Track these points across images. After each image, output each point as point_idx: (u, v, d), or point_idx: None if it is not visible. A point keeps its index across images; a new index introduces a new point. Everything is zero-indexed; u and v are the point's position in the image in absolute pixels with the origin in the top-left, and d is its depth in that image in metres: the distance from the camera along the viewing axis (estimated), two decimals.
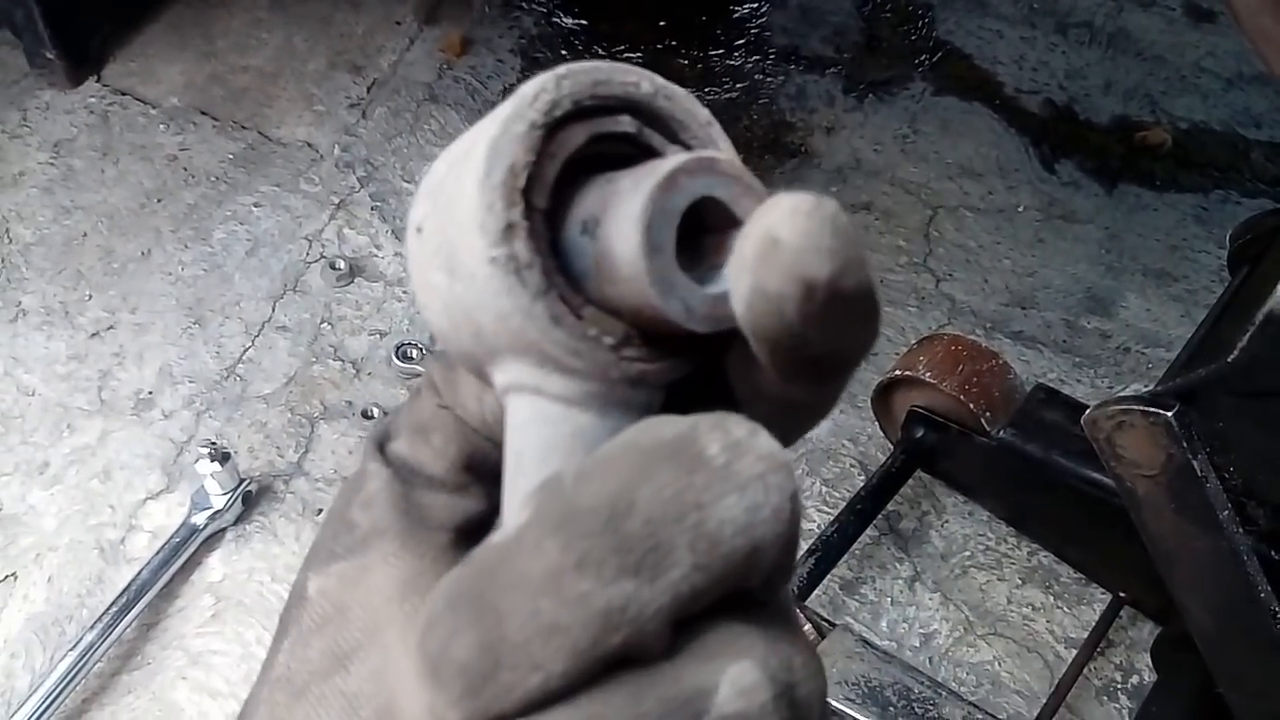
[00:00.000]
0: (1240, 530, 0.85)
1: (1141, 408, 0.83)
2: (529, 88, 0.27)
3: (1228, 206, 1.98)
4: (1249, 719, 0.92)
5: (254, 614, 1.42)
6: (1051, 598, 1.46)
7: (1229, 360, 0.78)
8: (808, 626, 1.21)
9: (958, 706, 1.15)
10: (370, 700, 0.29)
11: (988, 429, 1.41)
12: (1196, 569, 0.89)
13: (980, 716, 1.15)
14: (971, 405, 1.43)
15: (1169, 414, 0.82)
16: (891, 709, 1.13)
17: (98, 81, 2.07)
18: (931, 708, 1.13)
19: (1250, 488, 0.83)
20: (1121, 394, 0.85)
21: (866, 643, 1.20)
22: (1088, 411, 0.89)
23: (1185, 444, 0.83)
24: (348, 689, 0.30)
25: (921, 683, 1.16)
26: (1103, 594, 1.43)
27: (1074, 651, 1.37)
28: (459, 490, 0.33)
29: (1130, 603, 1.39)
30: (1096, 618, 1.39)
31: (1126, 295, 1.82)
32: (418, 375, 1.67)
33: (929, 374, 1.47)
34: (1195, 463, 0.83)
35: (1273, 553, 0.95)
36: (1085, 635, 1.38)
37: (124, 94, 2.05)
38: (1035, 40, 2.23)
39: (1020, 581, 1.48)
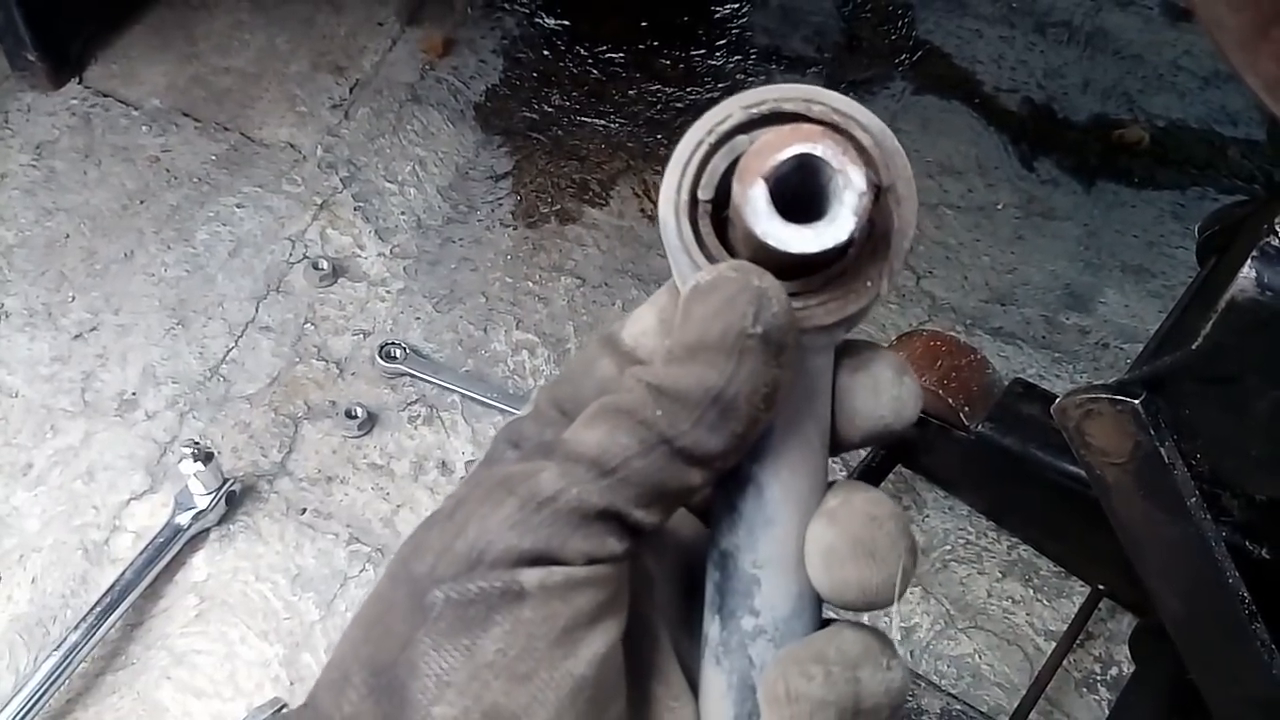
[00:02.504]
0: (1208, 516, 0.87)
1: (1109, 396, 0.85)
2: (708, 115, 0.37)
3: (1205, 203, 1.99)
4: (1220, 704, 0.94)
5: (238, 613, 1.42)
6: (1031, 591, 1.47)
7: (1193, 348, 0.79)
8: None
9: (936, 697, 1.16)
10: None
11: (966, 423, 1.42)
12: (1166, 556, 0.90)
13: (959, 708, 1.16)
14: (950, 400, 1.44)
15: (1135, 402, 0.83)
16: None
17: (79, 83, 2.07)
18: (911, 699, 1.14)
19: (1217, 473, 0.84)
20: (1091, 383, 0.87)
21: None
22: (1057, 400, 0.90)
23: (1152, 431, 0.84)
24: None
25: None
26: (1082, 587, 1.45)
27: (1054, 644, 1.38)
28: None
29: (1109, 595, 1.40)
30: (1076, 610, 1.40)
31: (1105, 291, 1.84)
32: (401, 375, 1.68)
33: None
34: (1162, 450, 0.84)
35: (1243, 540, 0.96)
36: (1065, 628, 1.39)
37: (106, 95, 2.05)
38: (1014, 39, 2.25)
39: (1000, 575, 1.49)
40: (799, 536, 0.37)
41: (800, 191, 0.34)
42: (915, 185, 0.37)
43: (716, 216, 0.36)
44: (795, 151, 0.33)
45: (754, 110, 0.35)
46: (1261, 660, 0.87)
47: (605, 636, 0.35)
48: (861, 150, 0.35)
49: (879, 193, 0.35)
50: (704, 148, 0.35)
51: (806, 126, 0.34)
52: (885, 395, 0.38)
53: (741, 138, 0.36)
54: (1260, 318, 0.75)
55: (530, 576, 0.34)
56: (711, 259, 0.36)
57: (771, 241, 0.33)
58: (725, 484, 0.38)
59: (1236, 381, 0.79)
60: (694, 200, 0.36)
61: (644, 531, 0.36)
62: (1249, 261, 0.74)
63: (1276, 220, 0.75)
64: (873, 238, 0.36)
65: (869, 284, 0.36)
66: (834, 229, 0.33)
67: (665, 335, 0.38)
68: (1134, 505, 0.88)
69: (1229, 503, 0.90)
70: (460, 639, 0.34)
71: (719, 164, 0.35)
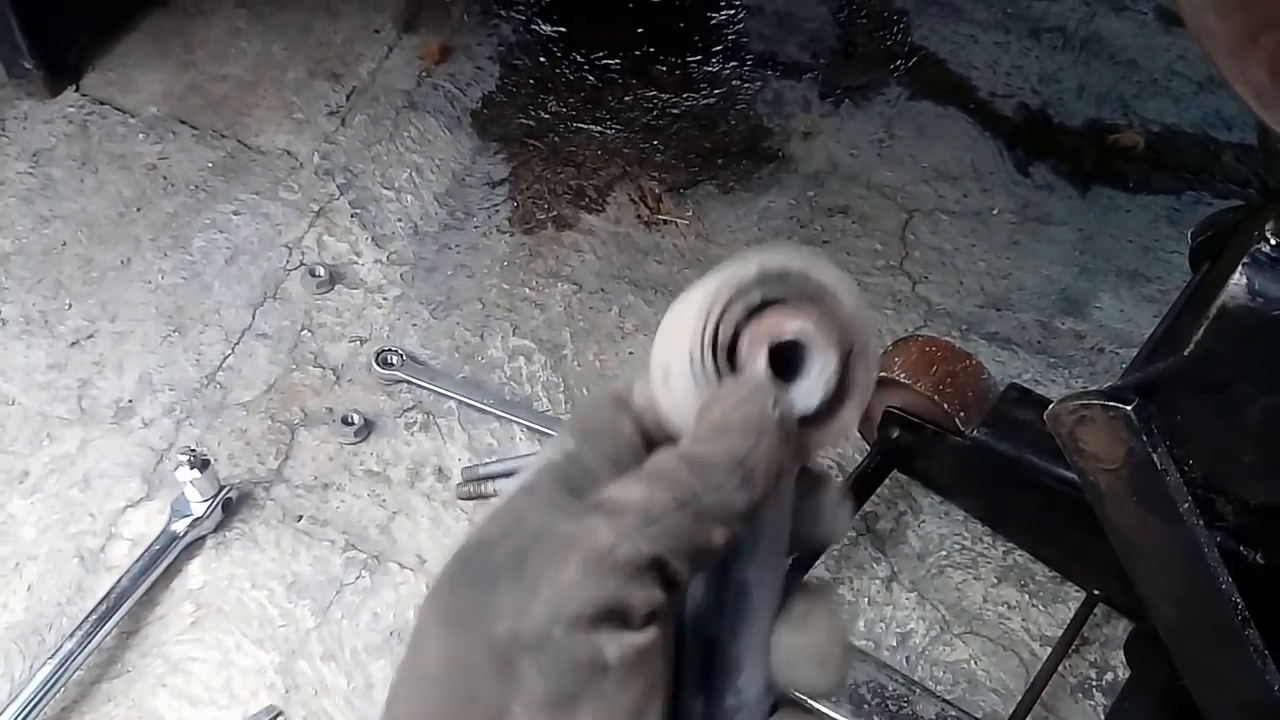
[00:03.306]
0: (1201, 522, 0.87)
1: (1101, 402, 0.85)
2: (709, 287, 0.44)
3: (1200, 207, 2.00)
4: (1213, 710, 0.94)
5: (234, 621, 1.42)
6: (1027, 596, 1.48)
7: (1185, 354, 0.79)
8: None
9: (931, 703, 1.16)
10: None
11: (962, 429, 1.43)
12: (1159, 561, 0.90)
13: (954, 713, 1.16)
14: (946, 405, 1.44)
15: (1128, 408, 0.83)
16: (866, 706, 1.14)
17: (76, 91, 2.07)
18: (905, 705, 1.15)
19: (1209, 479, 0.85)
20: (1084, 389, 0.87)
21: None
22: (1051, 406, 0.91)
23: (1145, 437, 0.84)
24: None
25: (896, 680, 1.17)
26: (1077, 592, 1.45)
27: (1049, 649, 1.38)
28: None
29: (1104, 600, 1.40)
30: (1071, 615, 1.41)
31: (1100, 296, 1.84)
32: (398, 381, 1.68)
33: (903, 375, 1.48)
34: (1155, 456, 0.84)
35: (1237, 545, 0.97)
36: (1060, 633, 1.39)
37: (103, 103, 2.05)
38: (1009, 45, 2.26)
39: (996, 580, 1.49)
40: (769, 630, 0.45)
41: (788, 350, 0.44)
42: (876, 340, 0.46)
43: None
44: (791, 335, 0.43)
45: (760, 291, 0.44)
46: (1254, 666, 0.88)
47: (660, 704, 0.41)
48: (839, 321, 0.44)
49: (849, 354, 0.44)
50: (722, 305, 0.43)
51: (803, 311, 0.43)
52: (827, 519, 0.47)
53: (755, 294, 0.44)
54: (1251, 324, 0.75)
55: (611, 648, 0.38)
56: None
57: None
58: (711, 582, 0.45)
59: (1228, 388, 0.79)
60: (714, 344, 0.43)
61: (678, 587, 0.40)
62: (1239, 268, 0.75)
63: (1267, 227, 0.75)
64: (841, 385, 0.44)
65: (835, 420, 0.45)
66: (807, 397, 0.44)
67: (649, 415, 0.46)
68: (1127, 511, 0.88)
69: (1223, 508, 0.90)
70: (555, 713, 0.38)
71: (732, 319, 0.43)
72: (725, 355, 0.43)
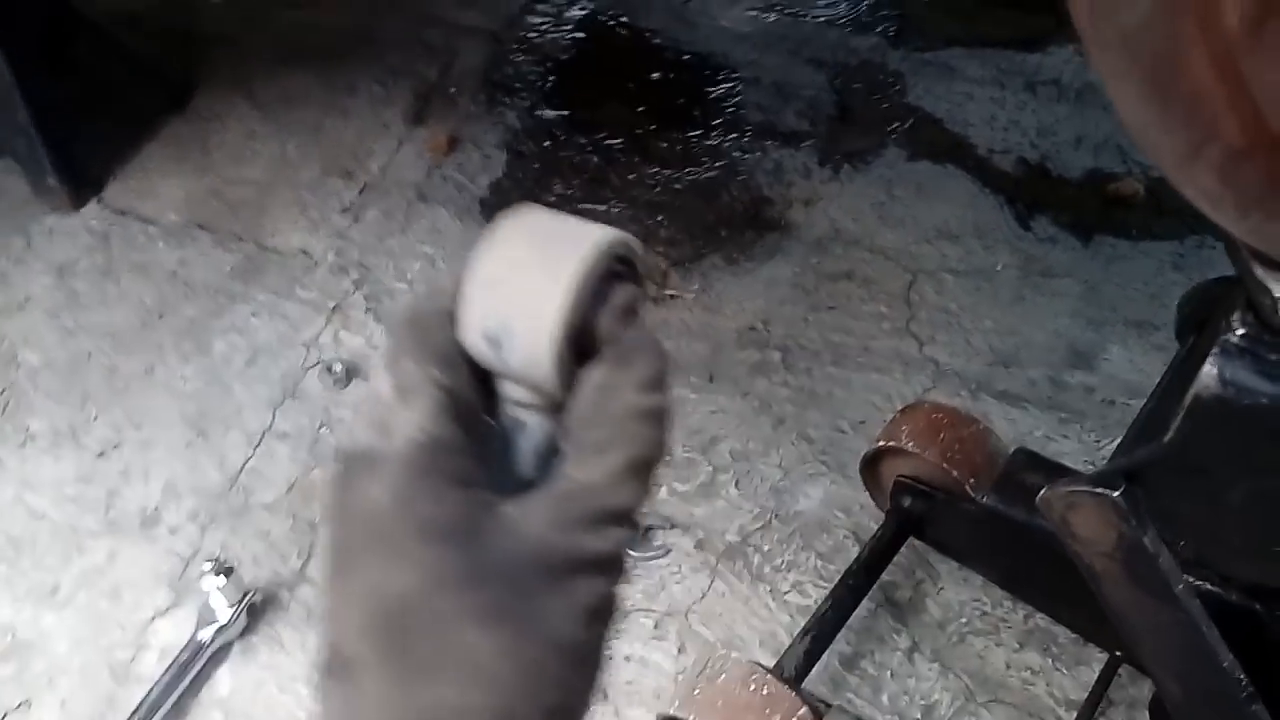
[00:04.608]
0: (1197, 601, 0.87)
1: (1089, 488, 0.86)
2: (572, 270, 0.47)
3: (1204, 251, 2.00)
4: None
5: None
6: (1050, 660, 1.47)
7: (1165, 440, 0.80)
8: (804, 710, 1.22)
9: None
10: None
11: (972, 495, 1.43)
12: (1160, 641, 0.90)
13: None
14: (955, 472, 1.45)
15: (1115, 494, 0.84)
16: None
17: (99, 203, 2.15)
18: None
19: (1201, 560, 0.85)
20: (1073, 475, 0.88)
21: None
22: (1041, 493, 0.92)
23: (1134, 521, 0.85)
24: None
25: None
26: (1100, 653, 1.44)
27: (1075, 713, 1.37)
28: None
29: (1127, 660, 1.39)
30: (1095, 678, 1.40)
31: (1109, 347, 1.85)
32: None
33: (911, 443, 1.49)
34: (1146, 539, 0.85)
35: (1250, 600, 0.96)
36: (1085, 696, 1.38)
37: (124, 213, 2.13)
38: (1005, 100, 2.28)
39: (1018, 645, 1.48)
40: None
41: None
42: None
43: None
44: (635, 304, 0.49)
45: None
46: None
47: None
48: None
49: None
50: (585, 292, 0.47)
51: (631, 279, 0.49)
52: None
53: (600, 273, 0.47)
54: (1225, 412, 0.77)
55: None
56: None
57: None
58: None
59: (1209, 473, 0.80)
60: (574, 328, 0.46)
61: None
62: (1209, 359, 0.76)
63: (1234, 317, 0.77)
64: None
65: None
66: None
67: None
68: (1124, 592, 0.89)
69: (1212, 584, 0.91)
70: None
71: (585, 301, 0.47)
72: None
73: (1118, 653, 1.38)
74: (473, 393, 0.47)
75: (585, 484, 0.45)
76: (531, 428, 0.49)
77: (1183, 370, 0.91)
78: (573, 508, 0.44)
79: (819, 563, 1.58)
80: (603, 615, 0.45)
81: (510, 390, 0.49)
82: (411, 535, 0.43)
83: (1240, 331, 0.76)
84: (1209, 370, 0.76)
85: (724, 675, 1.25)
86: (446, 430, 0.45)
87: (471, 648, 0.42)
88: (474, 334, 0.47)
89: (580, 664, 0.44)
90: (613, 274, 0.47)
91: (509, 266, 0.46)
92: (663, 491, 1.69)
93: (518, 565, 0.43)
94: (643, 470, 0.46)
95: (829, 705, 1.22)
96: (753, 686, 1.23)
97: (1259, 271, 0.76)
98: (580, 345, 0.47)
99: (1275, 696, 0.93)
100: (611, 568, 0.45)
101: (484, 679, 0.42)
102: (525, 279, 0.46)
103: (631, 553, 1.60)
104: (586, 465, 0.45)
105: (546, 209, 0.49)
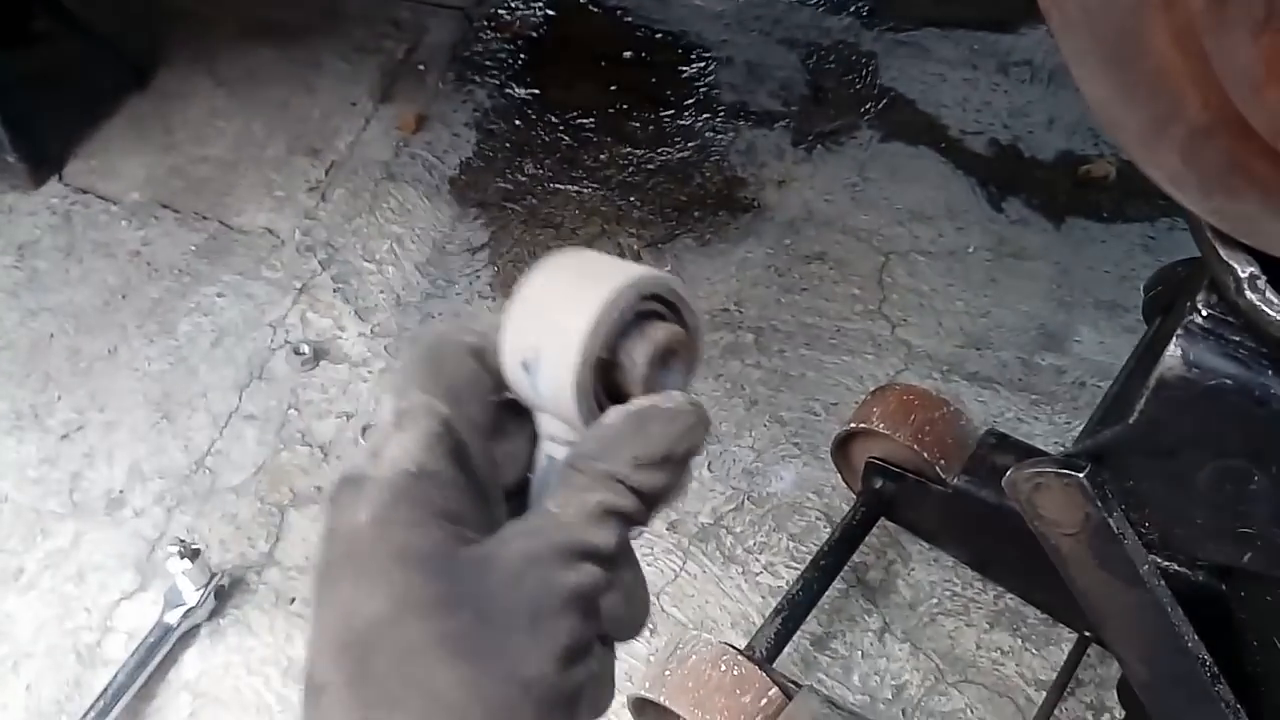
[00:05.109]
0: (1162, 583, 0.88)
1: (1055, 470, 0.86)
2: (601, 298, 0.47)
3: (1174, 234, 2.01)
4: None
5: (231, 710, 1.43)
6: (1020, 640, 1.48)
7: (1130, 422, 0.80)
8: (774, 690, 1.22)
9: None
10: None
11: (943, 476, 1.44)
12: (1125, 622, 0.91)
13: None
14: (926, 454, 1.45)
15: (1081, 475, 0.84)
16: None
17: (59, 181, 2.10)
18: None
19: (1167, 541, 0.86)
20: (1039, 457, 0.88)
21: (831, 702, 1.21)
22: (1007, 474, 0.92)
23: (1100, 503, 0.85)
24: None
25: None
26: (1070, 634, 1.45)
27: (1044, 693, 1.38)
28: None
29: (1096, 640, 1.40)
30: (1065, 658, 1.41)
31: (1079, 329, 1.85)
32: None
33: (883, 425, 1.49)
34: (1111, 520, 0.85)
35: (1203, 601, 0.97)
36: (1055, 676, 1.39)
37: (85, 192, 2.09)
38: (978, 81, 2.28)
39: (988, 626, 1.49)
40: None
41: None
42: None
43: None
44: (673, 345, 0.48)
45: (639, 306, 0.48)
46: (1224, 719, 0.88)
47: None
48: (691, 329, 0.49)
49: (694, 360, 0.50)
50: (612, 324, 0.47)
51: (671, 322, 0.48)
52: None
53: (634, 309, 0.48)
54: (1190, 394, 0.77)
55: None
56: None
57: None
58: None
59: (1175, 454, 0.80)
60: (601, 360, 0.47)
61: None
62: (1174, 340, 0.76)
63: (1198, 298, 0.76)
64: None
65: None
66: None
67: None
68: (1090, 574, 0.89)
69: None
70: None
71: (614, 334, 0.47)
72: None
73: (1086, 633, 1.39)
74: (478, 430, 0.47)
75: (559, 519, 0.44)
76: (560, 463, 0.48)
77: (1148, 352, 0.91)
78: (543, 540, 0.44)
79: (791, 544, 1.59)
80: (579, 658, 0.44)
81: (545, 424, 0.49)
82: (385, 559, 0.43)
83: (1204, 313, 0.76)
84: (1173, 352, 0.76)
85: (694, 656, 1.25)
86: (438, 461, 0.44)
87: (435, 679, 0.41)
88: (512, 361, 0.47)
89: (551, 706, 0.42)
90: (651, 313, 0.47)
91: (549, 296, 0.47)
92: None
93: (491, 598, 0.42)
94: (621, 516, 0.45)
95: (799, 685, 1.22)
96: (723, 667, 1.22)
97: (1222, 252, 0.76)
98: (612, 381, 0.47)
99: (1240, 676, 0.94)
100: (588, 608, 0.44)
101: (444, 711, 0.41)
102: (559, 308, 0.46)
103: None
104: (567, 501, 0.45)
105: (597, 252, 0.50)
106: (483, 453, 0.47)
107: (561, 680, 0.43)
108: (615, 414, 0.46)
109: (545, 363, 0.46)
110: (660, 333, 0.47)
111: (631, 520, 0.45)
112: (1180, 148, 0.67)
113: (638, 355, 0.46)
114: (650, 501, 0.46)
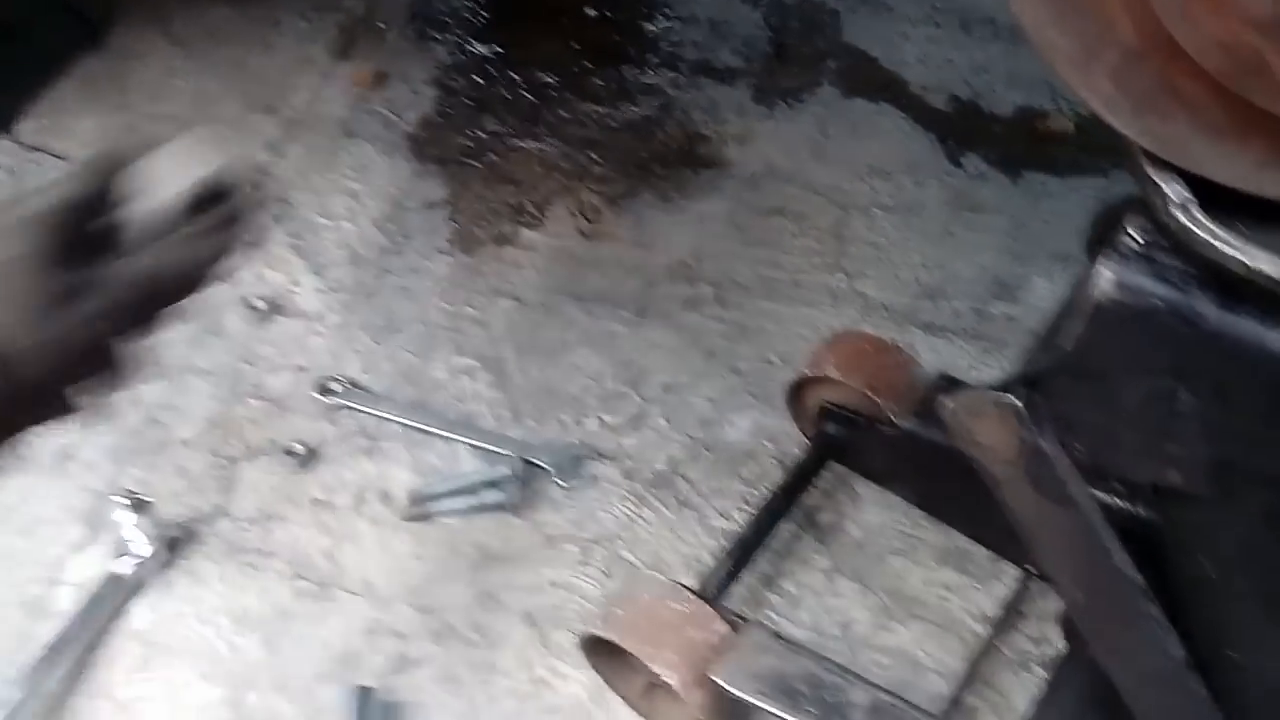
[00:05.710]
0: (1094, 505, 0.89)
1: (990, 396, 0.87)
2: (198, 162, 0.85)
3: (1129, 187, 2.02)
4: (1123, 683, 0.96)
5: (181, 658, 1.43)
6: (966, 577, 1.50)
7: (1061, 346, 0.81)
8: (721, 625, 1.23)
9: (865, 690, 1.18)
10: None
11: (894, 420, 1.45)
12: (1060, 546, 0.92)
13: (887, 698, 1.18)
14: (878, 398, 1.47)
15: (1016, 400, 0.86)
16: (801, 699, 1.16)
17: (10, 139, 2.07)
18: (840, 694, 1.17)
19: (1098, 463, 0.87)
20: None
21: (777, 635, 1.23)
22: (945, 403, 0.93)
23: (1034, 427, 0.86)
24: None
25: (829, 670, 1.19)
26: (1014, 570, 1.47)
27: (989, 628, 1.41)
28: None
29: (1039, 575, 1.42)
30: (1009, 594, 1.43)
31: (1033, 279, 1.87)
32: (341, 409, 1.69)
33: (837, 372, 1.50)
34: (1045, 444, 0.86)
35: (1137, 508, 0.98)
36: (999, 611, 1.42)
37: (37, 149, 2.06)
38: (940, 39, 2.28)
39: (935, 564, 1.51)
40: None
41: None
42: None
43: None
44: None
45: None
46: (1156, 638, 0.90)
47: None
48: None
49: None
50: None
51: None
52: None
53: None
54: (1121, 316, 0.78)
55: None
56: None
57: None
58: None
59: (1106, 376, 0.81)
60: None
61: None
62: (1106, 263, 0.77)
63: (1129, 224, 0.77)
64: None
65: None
66: None
67: None
68: (1024, 499, 0.91)
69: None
70: None
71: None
72: None
73: (1029, 568, 1.41)
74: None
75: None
76: None
77: (1084, 280, 0.92)
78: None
79: (745, 489, 1.60)
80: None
81: None
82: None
83: (1136, 236, 0.77)
84: (1105, 274, 0.77)
85: (645, 595, 1.26)
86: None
87: None
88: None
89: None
90: None
91: None
92: (592, 423, 1.69)
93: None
94: None
95: (746, 620, 1.24)
96: (673, 604, 1.24)
97: (1153, 174, 0.77)
98: None
99: (1175, 606, 0.96)
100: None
101: None
102: None
103: (560, 482, 1.60)
104: None
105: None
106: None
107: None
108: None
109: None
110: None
111: None
112: (1112, 71, 0.68)
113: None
114: None
